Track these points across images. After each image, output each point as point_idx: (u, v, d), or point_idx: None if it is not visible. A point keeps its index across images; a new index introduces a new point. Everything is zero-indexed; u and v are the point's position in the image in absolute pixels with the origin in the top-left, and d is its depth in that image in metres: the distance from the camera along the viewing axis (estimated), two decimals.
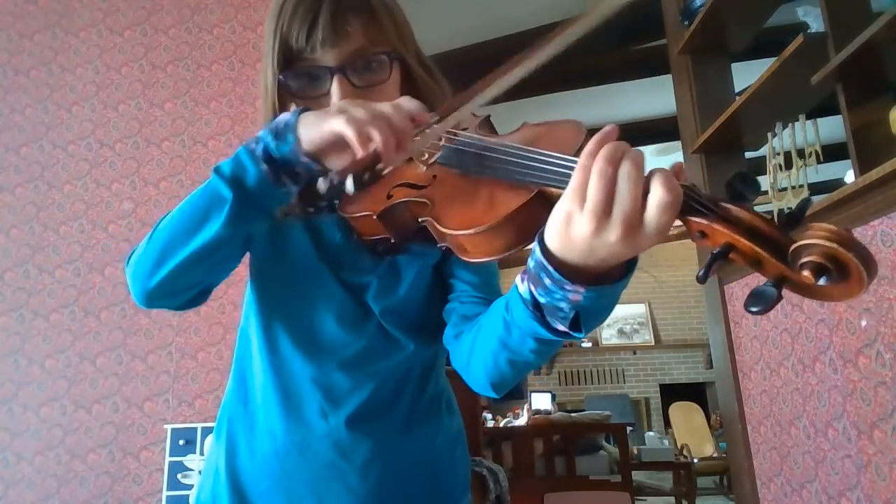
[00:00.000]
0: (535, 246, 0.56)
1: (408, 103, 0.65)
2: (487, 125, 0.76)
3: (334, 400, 0.78)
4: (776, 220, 0.47)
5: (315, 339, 0.80)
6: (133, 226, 2.69)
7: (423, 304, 0.82)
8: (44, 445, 2.47)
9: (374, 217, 0.72)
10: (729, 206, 0.48)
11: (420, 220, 0.67)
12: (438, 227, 0.64)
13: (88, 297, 2.61)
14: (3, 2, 2.95)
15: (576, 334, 0.58)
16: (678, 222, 0.49)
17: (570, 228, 0.51)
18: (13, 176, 2.75)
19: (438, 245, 0.67)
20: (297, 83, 0.77)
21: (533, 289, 0.58)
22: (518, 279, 0.60)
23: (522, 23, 4.08)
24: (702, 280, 0.48)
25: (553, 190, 0.56)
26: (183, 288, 0.75)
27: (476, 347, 0.73)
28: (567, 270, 0.53)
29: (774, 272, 0.47)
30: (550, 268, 0.53)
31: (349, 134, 0.60)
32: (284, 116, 0.66)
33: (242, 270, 0.90)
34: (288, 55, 0.76)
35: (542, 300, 0.57)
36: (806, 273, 0.45)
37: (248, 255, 0.90)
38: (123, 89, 2.86)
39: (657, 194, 0.47)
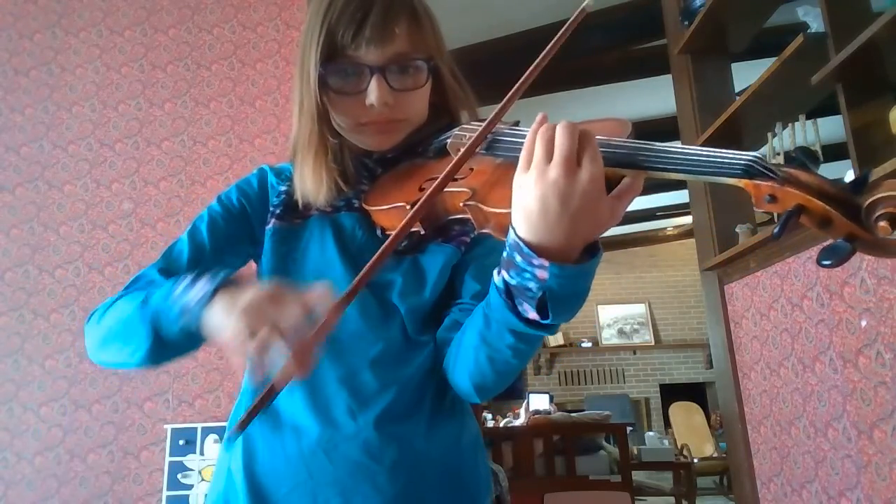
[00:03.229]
0: (509, 231, 0.60)
1: (319, 307, 0.57)
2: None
3: (362, 400, 0.78)
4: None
5: (340, 338, 0.79)
6: (133, 226, 2.70)
7: (440, 303, 0.83)
8: (44, 445, 2.47)
9: (408, 207, 0.72)
10: (798, 171, 0.51)
11: (462, 204, 0.68)
12: (485, 208, 0.65)
13: (88, 297, 2.61)
14: (3, 2, 2.95)
15: (544, 322, 0.62)
16: (744, 185, 0.53)
17: (521, 191, 0.58)
18: (13, 176, 2.75)
19: (479, 231, 0.69)
20: (336, 78, 0.78)
21: (505, 274, 0.62)
22: (495, 272, 0.64)
23: (523, 23, 4.09)
24: (777, 237, 0.51)
25: None
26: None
27: (461, 348, 0.75)
28: (536, 250, 0.58)
29: (844, 230, 0.49)
30: (522, 244, 0.58)
31: (236, 360, 0.56)
32: (197, 294, 0.64)
33: (244, 271, 0.90)
34: (331, 50, 0.77)
35: (512, 282, 0.61)
36: (882, 224, 0.46)
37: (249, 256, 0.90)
38: (123, 89, 2.86)
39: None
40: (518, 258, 0.59)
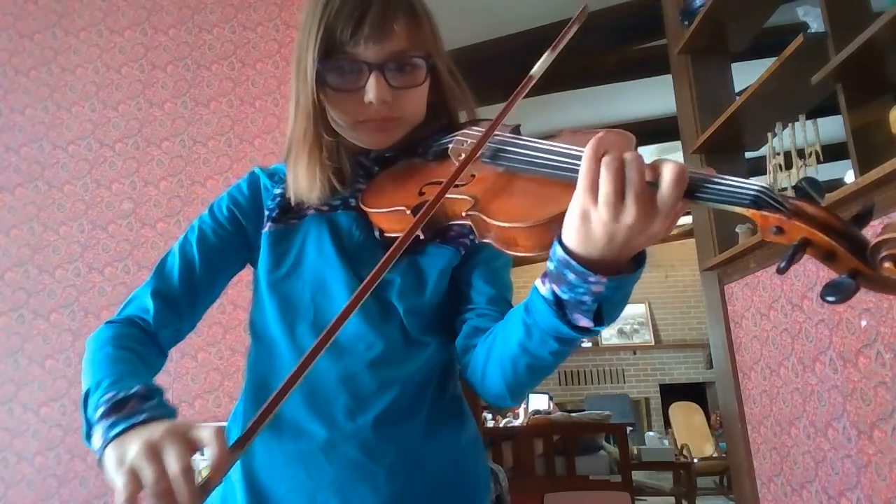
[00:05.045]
0: (554, 247, 0.59)
1: (210, 444, 0.56)
2: (517, 133, 0.77)
3: (361, 401, 0.78)
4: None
5: (340, 339, 0.78)
6: (133, 226, 2.69)
7: (442, 305, 0.82)
8: (44, 445, 2.47)
9: (408, 212, 0.72)
10: (804, 204, 0.51)
11: (463, 213, 0.68)
12: (488, 220, 0.65)
13: (88, 297, 2.61)
14: (3, 2, 2.95)
15: (596, 328, 0.61)
16: (751, 215, 0.53)
17: (589, 224, 0.55)
18: (13, 176, 2.75)
19: (479, 240, 0.68)
20: (334, 75, 0.78)
21: (555, 288, 0.61)
22: (538, 282, 0.63)
23: (522, 23, 4.09)
24: (782, 271, 0.51)
25: None
26: None
27: (492, 356, 0.74)
28: (588, 265, 0.57)
29: (848, 266, 0.50)
30: (574, 263, 0.57)
31: None
32: (98, 433, 0.62)
33: (242, 271, 0.90)
34: (329, 46, 0.77)
35: (564, 297, 0.60)
36: (888, 265, 0.47)
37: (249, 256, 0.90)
38: (123, 89, 2.86)
39: (668, 170, 0.53)
40: (570, 276, 0.58)
